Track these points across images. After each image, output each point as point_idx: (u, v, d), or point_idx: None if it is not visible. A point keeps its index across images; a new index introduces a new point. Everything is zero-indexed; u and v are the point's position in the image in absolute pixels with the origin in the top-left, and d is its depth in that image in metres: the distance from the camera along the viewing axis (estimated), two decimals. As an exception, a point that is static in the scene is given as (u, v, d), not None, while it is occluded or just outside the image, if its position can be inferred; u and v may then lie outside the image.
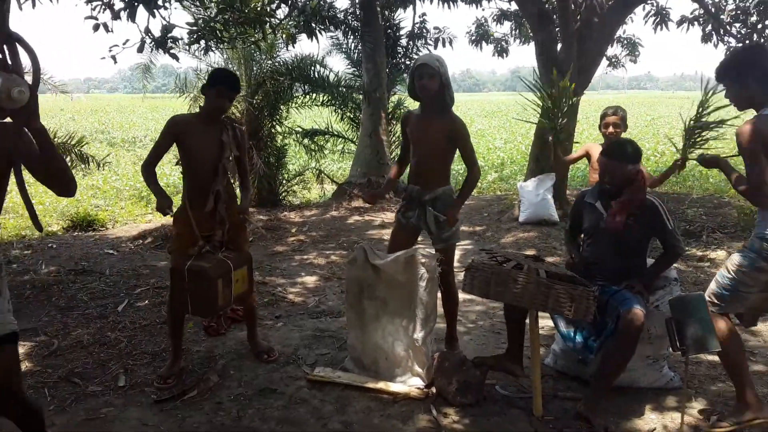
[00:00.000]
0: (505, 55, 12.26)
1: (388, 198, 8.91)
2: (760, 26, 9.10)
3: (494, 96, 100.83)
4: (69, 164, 3.61)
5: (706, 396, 3.49)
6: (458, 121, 3.72)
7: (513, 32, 11.97)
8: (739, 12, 9.41)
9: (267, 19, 6.89)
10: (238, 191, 3.99)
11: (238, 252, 3.71)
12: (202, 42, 6.53)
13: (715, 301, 3.09)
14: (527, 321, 3.39)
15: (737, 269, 3.00)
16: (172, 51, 6.17)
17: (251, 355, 4.02)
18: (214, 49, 8.13)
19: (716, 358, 3.85)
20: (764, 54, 2.97)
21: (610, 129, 4.59)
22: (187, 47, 7.83)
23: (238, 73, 9.82)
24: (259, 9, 6.65)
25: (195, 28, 6.06)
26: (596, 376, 3.27)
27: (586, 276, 3.44)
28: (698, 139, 4.07)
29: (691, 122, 4.04)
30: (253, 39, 7.34)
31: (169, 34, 6.01)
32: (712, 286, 3.13)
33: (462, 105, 51.52)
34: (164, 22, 5.93)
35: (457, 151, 3.86)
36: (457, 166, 9.92)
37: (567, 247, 3.81)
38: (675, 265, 5.77)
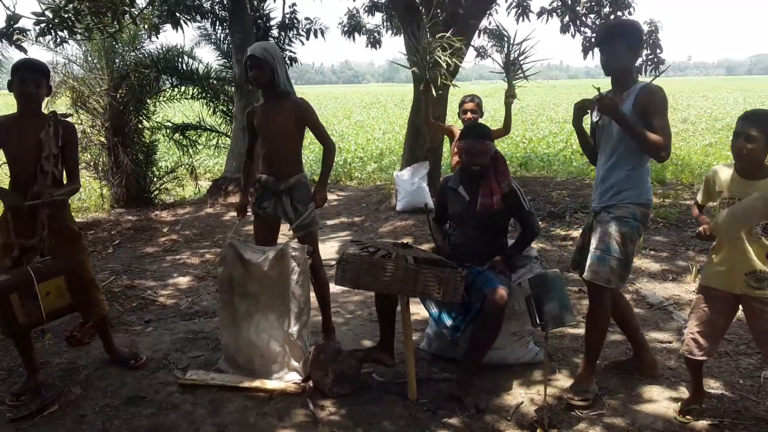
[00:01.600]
0: (378, 46, 12.34)
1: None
2: (612, 17, 9.73)
3: (373, 87, 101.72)
4: None
5: (570, 367, 3.70)
6: (301, 102, 3.75)
7: (384, 23, 12.07)
8: (593, 3, 10.01)
9: (125, 8, 6.54)
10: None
11: (56, 260, 3.36)
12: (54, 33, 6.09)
13: (619, 282, 3.14)
14: (399, 309, 3.44)
15: (628, 240, 3.10)
16: (18, 43, 5.70)
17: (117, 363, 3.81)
18: (69, 40, 7.63)
19: (578, 330, 4.11)
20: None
21: (468, 115, 4.83)
22: (39, 39, 7.30)
23: (98, 66, 9.29)
24: (117, -2, 6.29)
25: (42, 18, 5.62)
26: (465, 356, 3.38)
27: (454, 259, 3.54)
28: (518, 73, 4.49)
29: (508, 54, 4.42)
30: (111, 30, 6.92)
31: (15, 25, 5.55)
32: (613, 265, 3.07)
33: (341, 97, 51.61)
34: (9, 12, 5.47)
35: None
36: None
37: (434, 233, 3.90)
38: (540, 244, 6.12)
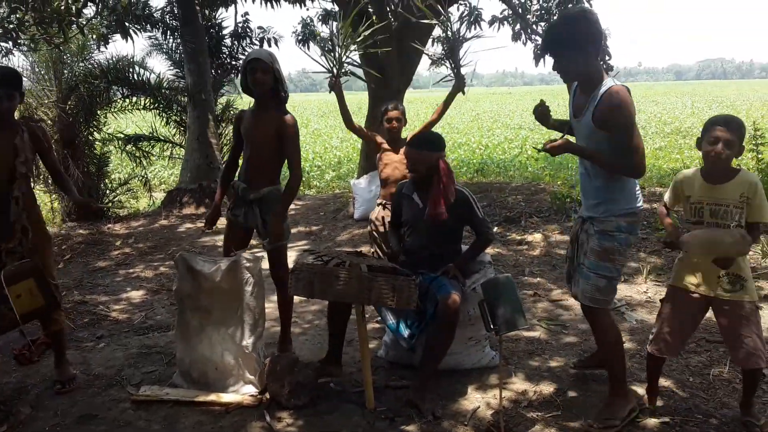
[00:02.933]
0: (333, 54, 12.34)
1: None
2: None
3: (331, 96, 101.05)
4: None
5: (525, 370, 3.74)
6: (289, 119, 3.66)
7: (339, 32, 12.07)
8: (543, 12, 10.19)
9: (72, 18, 6.42)
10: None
11: (23, 263, 3.39)
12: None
13: (603, 297, 3.01)
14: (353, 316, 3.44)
15: (616, 254, 2.97)
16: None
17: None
18: (14, 51, 7.45)
19: (533, 333, 4.16)
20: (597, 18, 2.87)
21: (393, 123, 4.73)
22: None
23: (46, 77, 9.07)
24: (62, 8, 6.17)
25: (-16, 29, 5.49)
26: (421, 362, 3.39)
27: (408, 265, 3.55)
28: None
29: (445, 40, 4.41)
30: (57, 41, 6.78)
31: (-44, 36, 5.41)
32: (597, 282, 2.97)
33: (299, 105, 51.40)
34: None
35: None
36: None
37: (390, 239, 3.91)
38: (496, 249, 6.19)
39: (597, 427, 3.03)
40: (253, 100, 3.83)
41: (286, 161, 3.77)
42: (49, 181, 9.14)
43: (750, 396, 3.08)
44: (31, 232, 3.47)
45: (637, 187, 3.03)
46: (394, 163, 4.57)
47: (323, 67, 4.50)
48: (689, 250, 2.92)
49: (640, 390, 3.40)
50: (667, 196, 3.17)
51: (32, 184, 3.60)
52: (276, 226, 3.67)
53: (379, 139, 4.84)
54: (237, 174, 3.91)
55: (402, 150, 4.75)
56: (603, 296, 3.01)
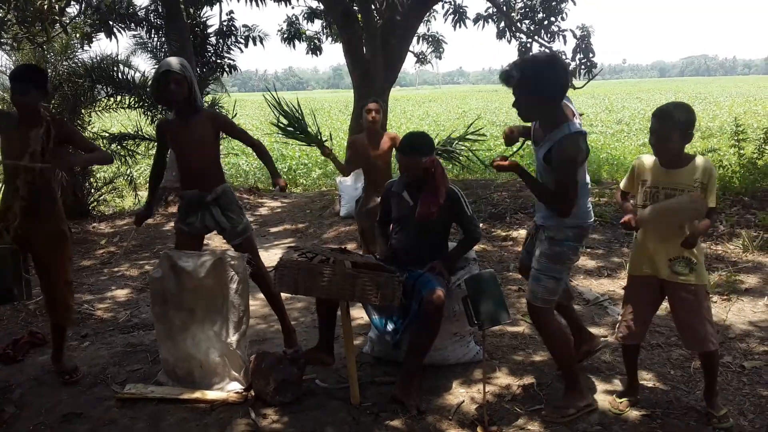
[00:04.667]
0: (318, 53, 12.34)
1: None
2: (546, 22, 9.98)
3: (318, 93, 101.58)
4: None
5: (509, 365, 3.77)
6: (215, 113, 3.83)
7: (324, 30, 12.08)
8: (527, 9, 10.25)
9: (55, 17, 6.38)
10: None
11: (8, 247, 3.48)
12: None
13: (551, 298, 3.13)
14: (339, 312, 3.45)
15: (565, 258, 3.10)
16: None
17: (54, 380, 3.71)
18: (-4, 50, 7.40)
19: (517, 328, 4.20)
20: (562, 69, 3.02)
21: (372, 114, 4.94)
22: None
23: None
24: (45, 7, 6.13)
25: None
26: (406, 358, 3.41)
27: (395, 262, 3.57)
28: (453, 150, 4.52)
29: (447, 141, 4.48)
30: (40, 39, 6.73)
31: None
32: (547, 284, 3.08)
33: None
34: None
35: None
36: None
37: (377, 237, 3.93)
38: (481, 245, 6.22)
39: (548, 414, 3.16)
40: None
41: (219, 157, 3.91)
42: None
43: (711, 385, 3.12)
44: (47, 231, 3.56)
45: (589, 205, 3.17)
46: (370, 153, 4.96)
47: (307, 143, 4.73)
48: (645, 223, 2.99)
49: (622, 383, 3.44)
50: (623, 181, 3.25)
51: (52, 178, 3.63)
52: (278, 179, 3.82)
53: (353, 140, 5.19)
54: (176, 184, 3.93)
55: (381, 142, 4.99)
56: (551, 296, 3.13)
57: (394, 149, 4.92)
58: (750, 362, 3.68)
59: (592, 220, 3.20)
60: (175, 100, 3.62)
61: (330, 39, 12.10)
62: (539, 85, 2.88)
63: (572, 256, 3.17)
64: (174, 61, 3.62)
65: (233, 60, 10.84)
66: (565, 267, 3.15)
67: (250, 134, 3.85)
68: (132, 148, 10.65)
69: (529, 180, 3.08)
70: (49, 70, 9.07)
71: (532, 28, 10.06)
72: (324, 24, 11.86)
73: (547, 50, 9.28)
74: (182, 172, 3.82)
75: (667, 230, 2.97)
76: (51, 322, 3.78)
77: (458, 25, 10.01)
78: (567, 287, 3.54)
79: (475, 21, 10.11)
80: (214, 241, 6.52)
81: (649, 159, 3.07)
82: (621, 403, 3.21)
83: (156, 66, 11.07)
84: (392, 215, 3.79)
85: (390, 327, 3.55)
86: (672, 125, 2.86)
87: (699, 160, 2.95)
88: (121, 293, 5.50)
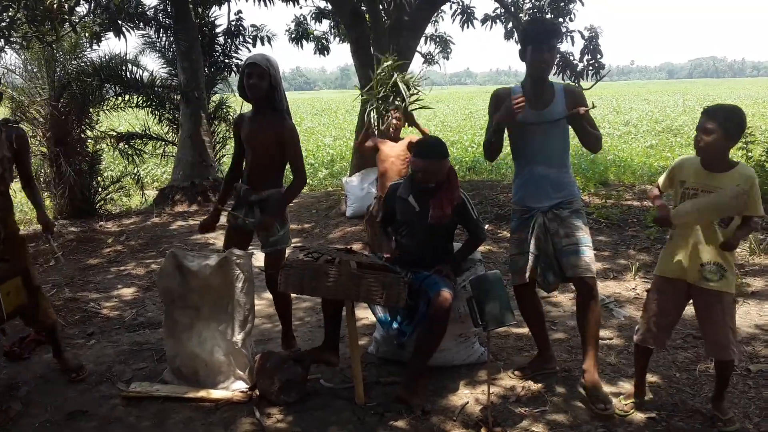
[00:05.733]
0: (326, 52, 12.35)
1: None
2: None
3: (325, 94, 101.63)
4: None
5: (514, 366, 3.76)
6: (288, 125, 3.67)
7: (332, 30, 12.09)
8: (535, 10, 10.23)
9: (64, 17, 6.41)
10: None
11: (11, 262, 3.45)
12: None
13: (594, 267, 3.28)
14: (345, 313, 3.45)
15: (587, 227, 3.37)
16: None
17: (60, 378, 3.73)
18: (6, 49, 7.42)
19: (522, 330, 4.19)
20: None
21: (395, 122, 4.99)
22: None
23: (38, 75, 9.04)
24: (55, 6, 6.16)
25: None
26: (411, 359, 3.41)
27: (402, 264, 3.57)
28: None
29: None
30: (49, 39, 6.76)
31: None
32: (592, 255, 3.28)
33: (292, 103, 51.16)
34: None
35: None
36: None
37: (380, 238, 3.94)
38: (487, 246, 6.22)
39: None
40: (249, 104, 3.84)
41: (281, 163, 3.79)
42: (41, 179, 9.14)
43: (721, 389, 3.10)
44: (6, 234, 3.47)
45: None
46: (391, 159, 4.86)
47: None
48: (679, 219, 2.93)
49: (627, 385, 3.44)
50: (661, 179, 3.20)
51: (6, 188, 3.55)
52: (267, 220, 3.66)
53: (380, 143, 5.10)
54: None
55: (399, 144, 4.95)
56: (595, 265, 3.28)
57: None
58: (756, 365, 3.67)
59: None
60: (255, 96, 3.59)
61: (338, 39, 12.12)
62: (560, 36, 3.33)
63: None
64: (260, 56, 3.61)
65: (241, 60, 10.87)
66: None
67: (301, 163, 3.79)
68: (139, 147, 10.71)
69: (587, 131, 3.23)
70: (58, 69, 9.13)
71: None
72: (332, 24, 11.87)
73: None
74: (246, 165, 3.82)
75: (703, 231, 2.93)
76: (38, 329, 3.81)
77: (466, 25, 9.99)
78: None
79: (483, 21, 10.09)
80: (220, 240, 6.53)
81: (689, 160, 3.02)
82: (626, 404, 3.21)
83: (164, 65, 11.18)
84: (398, 218, 3.78)
85: (395, 325, 3.55)
86: (717, 123, 2.82)
87: (742, 166, 2.90)
88: (128, 292, 5.52)
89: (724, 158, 2.90)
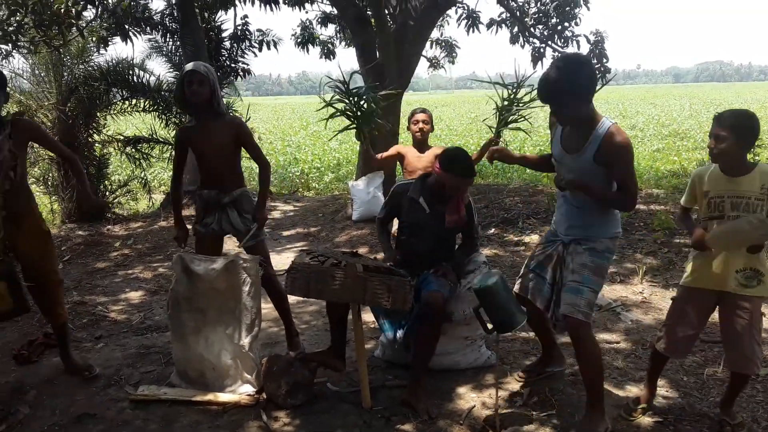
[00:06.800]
0: (332, 57, 12.37)
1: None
2: (560, 27, 9.95)
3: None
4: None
5: (520, 368, 3.75)
6: (238, 121, 3.80)
7: (338, 35, 12.11)
8: (541, 15, 10.22)
9: (71, 21, 6.45)
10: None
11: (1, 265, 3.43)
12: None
13: (591, 311, 3.04)
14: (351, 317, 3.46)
15: (605, 272, 3.11)
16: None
17: (68, 381, 3.75)
18: (13, 54, 7.47)
19: (527, 334, 4.18)
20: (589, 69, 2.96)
21: (420, 125, 4.72)
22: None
23: (46, 79, 9.09)
24: (62, 11, 6.20)
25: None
26: (412, 361, 3.42)
27: (406, 266, 3.57)
28: (509, 119, 4.20)
29: (505, 102, 4.22)
30: (57, 43, 6.79)
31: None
32: (589, 297, 3.00)
33: (298, 108, 51.45)
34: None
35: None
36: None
37: (380, 238, 3.94)
38: (494, 250, 6.21)
39: None
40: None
41: (239, 161, 3.88)
42: (49, 183, 9.18)
43: (732, 397, 3.09)
44: (28, 230, 3.54)
45: (618, 213, 3.15)
46: (418, 171, 4.53)
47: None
48: (716, 247, 2.88)
49: (635, 389, 3.43)
50: (684, 198, 3.14)
51: (28, 183, 3.64)
52: (261, 214, 3.80)
53: (404, 152, 4.85)
54: (197, 186, 3.91)
55: (427, 155, 4.74)
56: (591, 310, 3.03)
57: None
58: (764, 370, 3.65)
59: (620, 228, 3.18)
60: (196, 102, 3.63)
61: (343, 44, 12.14)
62: (582, 82, 2.86)
63: (607, 270, 3.14)
64: (198, 63, 3.68)
65: (247, 64, 10.90)
66: (604, 280, 3.11)
67: (260, 152, 3.84)
68: (146, 151, 10.73)
69: (600, 190, 2.98)
70: (65, 73, 9.18)
71: (545, 33, 10.00)
72: (337, 29, 11.89)
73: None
74: (202, 174, 3.85)
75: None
76: (51, 323, 3.82)
77: (471, 30, 9.99)
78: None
79: (489, 26, 10.08)
80: (227, 244, 6.54)
81: (707, 170, 2.98)
82: (637, 410, 3.19)
83: (171, 69, 11.22)
84: (404, 219, 3.78)
85: (399, 329, 3.56)
86: (727, 128, 2.80)
87: (762, 166, 2.87)
88: (135, 295, 5.54)
89: (741, 162, 2.87)
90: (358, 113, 4.29)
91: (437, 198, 3.60)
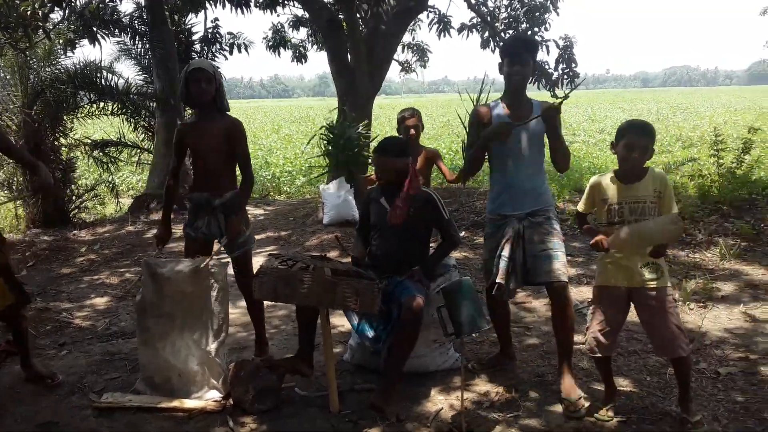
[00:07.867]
0: (304, 60, 12.36)
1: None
2: (529, 33, 10.08)
3: (303, 101, 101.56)
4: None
5: (487, 372, 3.78)
6: (236, 121, 3.74)
7: (310, 38, 12.11)
8: (511, 20, 10.36)
9: (38, 23, 6.35)
10: None
11: None
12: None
13: (566, 272, 3.42)
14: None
15: (561, 236, 3.51)
16: None
17: (31, 389, 3.67)
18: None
19: (496, 336, 4.20)
20: None
21: (411, 131, 4.73)
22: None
23: (11, 82, 8.93)
24: (29, 13, 6.11)
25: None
26: (385, 366, 3.42)
27: (375, 269, 3.58)
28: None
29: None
30: (21, 46, 6.68)
31: None
32: (563, 260, 3.39)
33: (271, 111, 51.22)
34: None
35: None
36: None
37: (355, 243, 3.94)
38: (463, 253, 6.25)
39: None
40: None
41: (235, 163, 3.82)
42: (14, 188, 9.01)
43: (685, 389, 3.16)
44: None
45: None
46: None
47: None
48: (621, 249, 3.05)
49: (600, 388, 3.47)
50: (581, 204, 3.32)
51: None
52: (234, 225, 3.68)
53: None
54: (190, 187, 3.88)
55: (420, 157, 4.73)
56: (567, 270, 3.39)
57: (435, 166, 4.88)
58: (725, 368, 3.73)
59: None
60: (203, 100, 3.62)
61: (315, 47, 12.14)
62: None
63: None
64: (205, 61, 3.67)
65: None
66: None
67: (249, 162, 3.80)
68: (114, 155, 10.61)
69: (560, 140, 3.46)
70: (31, 76, 9.02)
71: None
72: (309, 32, 11.88)
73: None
74: (196, 174, 3.82)
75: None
76: (14, 327, 3.74)
77: (443, 34, 10.07)
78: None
79: (460, 31, 10.18)
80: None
81: (606, 178, 3.18)
82: (608, 410, 3.23)
83: (140, 72, 11.10)
84: (370, 221, 3.80)
85: (370, 332, 3.55)
86: (651, 139, 3.03)
87: (653, 171, 3.09)
88: (101, 301, 5.46)
89: (642, 169, 3.08)
90: (347, 160, 4.40)
91: (393, 196, 3.61)
